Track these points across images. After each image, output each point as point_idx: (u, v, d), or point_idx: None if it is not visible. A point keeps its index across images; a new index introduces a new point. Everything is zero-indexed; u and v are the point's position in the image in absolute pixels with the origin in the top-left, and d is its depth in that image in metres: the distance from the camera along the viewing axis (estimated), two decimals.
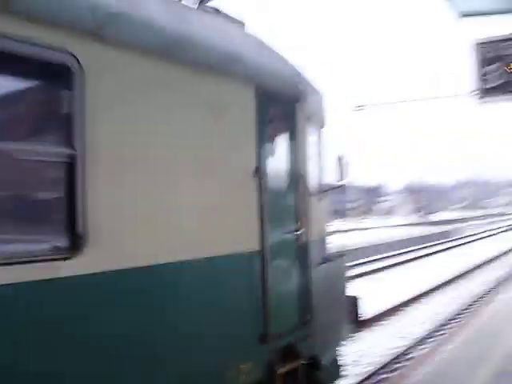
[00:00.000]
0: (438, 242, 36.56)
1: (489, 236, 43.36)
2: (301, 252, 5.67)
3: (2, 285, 2.95)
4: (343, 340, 6.87)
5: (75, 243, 3.33)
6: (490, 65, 6.67)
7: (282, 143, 5.66)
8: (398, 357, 9.89)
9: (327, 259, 6.45)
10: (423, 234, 39.73)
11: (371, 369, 9.17)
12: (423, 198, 78.12)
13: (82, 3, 3.48)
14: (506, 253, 28.71)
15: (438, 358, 7.90)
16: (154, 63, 4.01)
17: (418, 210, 75.10)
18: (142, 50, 3.90)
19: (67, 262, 3.29)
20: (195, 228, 4.32)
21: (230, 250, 4.66)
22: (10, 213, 3.28)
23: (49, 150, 3.38)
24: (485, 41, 6.96)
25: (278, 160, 5.49)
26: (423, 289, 16.92)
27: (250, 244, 4.93)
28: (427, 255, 28.77)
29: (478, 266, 23.16)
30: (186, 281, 4.23)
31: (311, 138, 6.13)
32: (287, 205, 5.59)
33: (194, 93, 4.39)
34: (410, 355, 10.00)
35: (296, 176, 5.68)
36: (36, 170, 3.42)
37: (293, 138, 5.71)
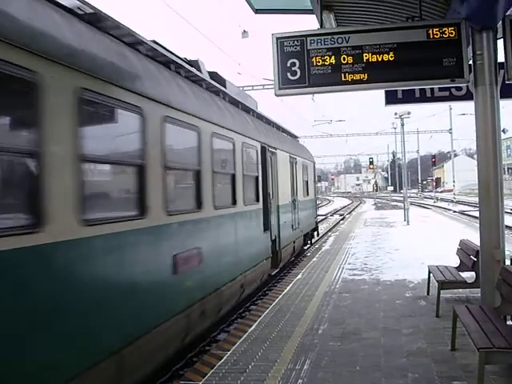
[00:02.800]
0: None
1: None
2: (315, 200, 23.20)
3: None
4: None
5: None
6: (289, 59, 7.11)
7: (311, 173, 22.81)
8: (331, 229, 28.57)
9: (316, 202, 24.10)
10: None
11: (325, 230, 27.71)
12: None
13: None
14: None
15: (339, 228, 25.72)
16: None
17: None
18: None
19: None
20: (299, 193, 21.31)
21: (307, 199, 21.69)
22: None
23: None
24: (284, 35, 7.24)
25: (310, 177, 22.51)
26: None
27: (309, 197, 22.08)
28: None
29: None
30: (299, 206, 20.79)
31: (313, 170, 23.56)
32: (312, 187, 22.90)
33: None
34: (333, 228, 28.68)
35: (312, 180, 22.98)
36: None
37: (313, 172, 23.03)
